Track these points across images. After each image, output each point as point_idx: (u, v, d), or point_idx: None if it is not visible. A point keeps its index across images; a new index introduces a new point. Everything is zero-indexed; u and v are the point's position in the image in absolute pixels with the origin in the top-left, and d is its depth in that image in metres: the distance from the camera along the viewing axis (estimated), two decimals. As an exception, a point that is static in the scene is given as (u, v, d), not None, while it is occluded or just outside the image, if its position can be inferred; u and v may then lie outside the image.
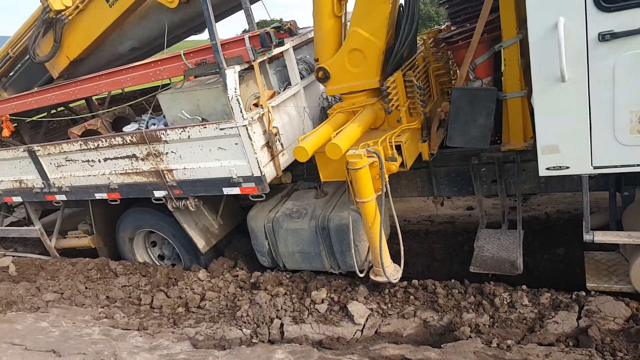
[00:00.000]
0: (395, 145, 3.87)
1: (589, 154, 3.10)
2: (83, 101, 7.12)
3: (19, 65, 6.04)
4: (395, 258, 4.07)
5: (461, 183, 4.50)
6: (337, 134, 3.79)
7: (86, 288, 5.28)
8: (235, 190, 4.33)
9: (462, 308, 3.77)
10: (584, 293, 3.51)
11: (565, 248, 4.53)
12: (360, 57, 4.04)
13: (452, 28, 4.57)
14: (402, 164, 3.93)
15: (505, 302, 3.66)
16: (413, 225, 5.78)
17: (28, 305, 5.14)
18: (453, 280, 4.07)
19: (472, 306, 3.76)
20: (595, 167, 3.14)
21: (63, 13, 4.98)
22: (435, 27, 5.34)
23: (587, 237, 3.30)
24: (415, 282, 4.15)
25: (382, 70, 4.06)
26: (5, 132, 5.92)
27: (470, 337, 3.38)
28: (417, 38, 4.73)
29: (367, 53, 3.99)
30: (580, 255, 3.85)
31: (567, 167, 3.19)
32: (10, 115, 5.74)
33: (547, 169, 3.25)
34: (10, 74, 6.18)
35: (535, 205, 5.57)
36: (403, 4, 4.05)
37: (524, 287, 3.78)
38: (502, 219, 4.43)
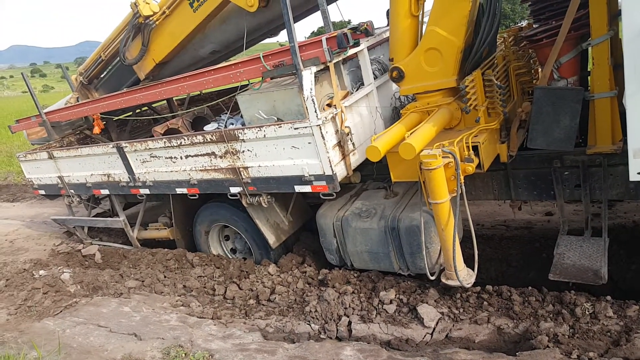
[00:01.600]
0: (472, 146, 3.79)
1: (687, 159, 2.88)
2: (164, 102, 7.56)
3: (110, 67, 6.54)
4: (468, 262, 3.97)
5: (541, 187, 4.31)
6: (411, 133, 3.76)
7: (165, 277, 5.59)
8: (307, 188, 4.41)
9: (539, 316, 3.62)
10: (677, 307, 3.25)
11: (656, 259, 4.21)
12: (437, 56, 3.99)
13: (535, 26, 4.40)
14: (479, 166, 3.83)
15: (587, 313, 3.47)
16: (487, 229, 5.60)
17: (112, 291, 5.51)
18: (530, 288, 3.91)
19: (551, 315, 3.60)
20: (693, 173, 2.90)
21: (151, 18, 5.35)
22: (516, 25, 5.16)
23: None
24: (489, 287, 4.03)
25: (460, 70, 4.00)
26: (96, 130, 6.43)
27: (547, 346, 3.24)
28: (499, 36, 4.60)
29: (445, 52, 3.94)
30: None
31: (663, 172, 2.97)
32: (100, 113, 6.22)
33: (639, 173, 3.04)
34: (102, 76, 6.71)
35: (621, 212, 5.21)
36: (483, 1, 3.96)
37: (609, 298, 3.56)
38: (585, 226, 4.19)
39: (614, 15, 3.68)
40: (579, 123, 3.70)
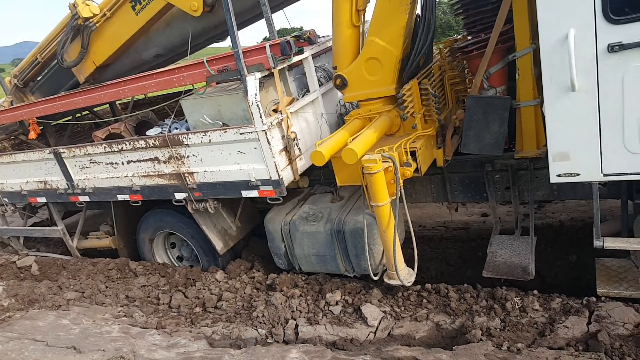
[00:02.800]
0: (410, 151, 3.96)
1: (599, 162, 3.17)
2: (107, 105, 7.35)
3: (47, 70, 6.30)
4: (409, 262, 4.15)
5: (475, 189, 4.57)
6: (353, 139, 3.89)
7: (106, 287, 5.43)
8: (254, 193, 4.45)
9: (474, 312, 3.83)
10: (594, 299, 3.55)
11: (578, 255, 4.56)
12: (377, 66, 4.14)
13: (468, 38, 4.67)
14: (416, 170, 4.00)
15: (516, 307, 3.71)
16: (428, 230, 5.85)
17: (50, 303, 5.28)
18: (466, 285, 4.13)
19: (484, 310, 3.82)
20: (605, 175, 3.20)
21: (91, 20, 5.21)
22: (453, 36, 5.44)
23: (597, 243, 3.35)
24: (428, 286, 4.22)
25: (399, 78, 4.17)
26: (32, 135, 6.17)
27: (481, 340, 3.44)
28: (434, 47, 4.84)
29: (384, 61, 4.10)
30: (592, 262, 3.90)
31: (578, 174, 3.25)
32: (37, 118, 5.97)
33: (558, 175, 3.31)
34: (38, 79, 6.44)
35: (549, 212, 5.60)
36: (420, 14, 4.17)
37: (536, 292, 3.83)
38: (515, 226, 4.48)
39: (536, 29, 3.99)
40: (507, 129, 3.97)
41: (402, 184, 3.89)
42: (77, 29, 5.32)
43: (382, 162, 3.76)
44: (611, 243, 3.38)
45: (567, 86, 3.05)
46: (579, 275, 4.40)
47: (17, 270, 6.44)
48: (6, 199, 6.37)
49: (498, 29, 3.93)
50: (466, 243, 5.35)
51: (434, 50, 4.82)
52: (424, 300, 4.07)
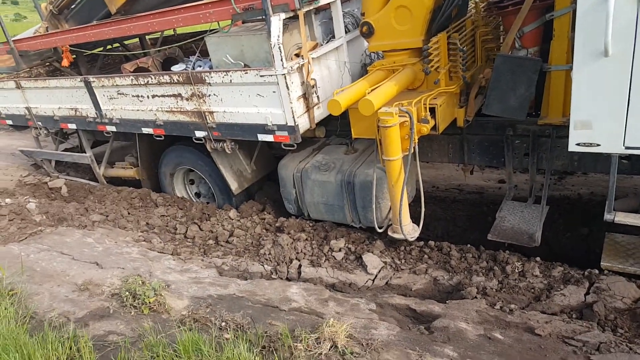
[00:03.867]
0: (430, 108, 3.90)
1: (623, 134, 3.06)
2: (137, 40, 7.41)
3: (81, -2, 6.34)
4: (416, 219, 4.18)
5: (493, 153, 4.49)
6: (372, 90, 3.85)
7: (129, 213, 5.71)
8: (269, 138, 4.50)
9: (473, 271, 3.88)
10: (597, 271, 3.53)
11: (590, 229, 4.49)
12: (407, 15, 4.02)
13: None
14: (434, 127, 3.95)
15: (516, 271, 3.74)
16: (441, 192, 5.83)
17: (77, 223, 5.61)
18: (468, 245, 4.16)
19: (483, 270, 3.87)
20: (627, 147, 3.09)
21: (124, -51, 5.17)
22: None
23: (607, 216, 3.29)
24: (431, 243, 4.27)
25: (427, 30, 4.04)
26: (65, 62, 6.32)
27: (475, 297, 3.51)
28: (470, 1, 4.64)
29: (414, 11, 3.97)
30: (603, 237, 3.84)
31: (598, 145, 3.15)
32: (70, 46, 6.10)
33: (577, 144, 3.22)
34: (72, 6, 6.50)
35: (569, 185, 5.47)
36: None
37: (538, 259, 3.83)
38: (529, 194, 4.42)
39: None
40: (534, 93, 3.84)
41: (417, 141, 3.86)
42: (111, -43, 5.31)
43: (399, 115, 3.72)
44: (622, 218, 3.32)
45: (600, 51, 2.90)
46: (588, 249, 4.35)
47: (48, 191, 6.81)
48: (40, 123, 6.63)
49: (537, -15, 3.74)
50: (478, 207, 5.32)
51: (470, 4, 4.62)
52: (425, 256, 4.14)
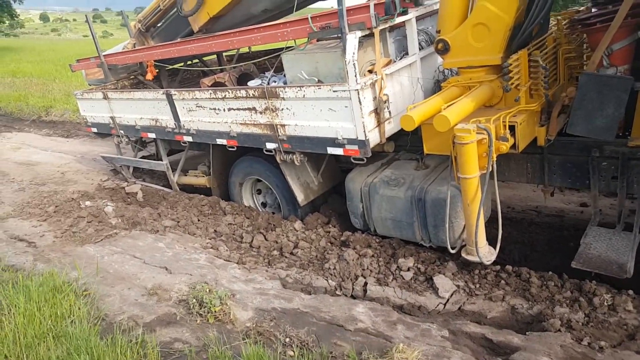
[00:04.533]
0: (509, 126, 3.76)
1: None
2: (214, 56, 7.76)
3: (166, 17, 6.76)
4: (491, 241, 4.01)
5: (577, 175, 4.23)
6: (447, 106, 3.77)
7: (198, 220, 5.92)
8: (339, 151, 4.52)
9: (555, 301, 3.65)
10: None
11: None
12: (485, 32, 3.93)
13: (593, 10, 4.24)
14: (513, 146, 3.81)
15: (605, 304, 3.47)
16: (517, 213, 5.56)
17: (149, 227, 5.87)
18: (550, 273, 3.93)
19: (567, 301, 3.63)
20: None
21: (210, -29, 5.46)
22: (574, 8, 4.98)
23: None
24: (508, 267, 4.08)
25: (507, 47, 3.93)
26: (149, 76, 6.73)
27: (559, 330, 3.28)
28: (552, 18, 4.47)
29: (493, 28, 3.88)
30: None
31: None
32: (154, 61, 6.48)
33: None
34: (158, 25, 6.95)
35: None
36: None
37: (631, 292, 3.55)
38: (617, 220, 4.12)
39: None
40: (624, 113, 3.61)
41: (495, 159, 3.72)
42: (197, -21, 5.61)
43: (477, 132, 3.61)
44: None
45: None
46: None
47: (125, 195, 7.22)
48: (122, 131, 7.07)
49: (630, 1, 3.53)
50: (558, 231, 5.02)
51: (552, 21, 4.45)
52: (502, 282, 3.95)
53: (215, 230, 5.63)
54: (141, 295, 4.33)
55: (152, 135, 6.62)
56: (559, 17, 4.49)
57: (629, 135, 3.87)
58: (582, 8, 4.86)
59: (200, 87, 6.00)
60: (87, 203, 6.67)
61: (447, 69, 4.68)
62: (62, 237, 5.70)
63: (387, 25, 4.27)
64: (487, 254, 3.96)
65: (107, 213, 6.27)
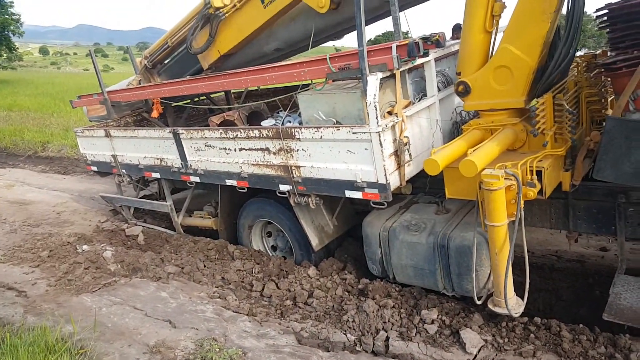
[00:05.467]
0: (536, 171, 3.66)
1: None
2: (222, 93, 7.68)
3: (175, 54, 6.71)
4: (517, 291, 3.82)
5: (602, 221, 4.11)
6: (473, 150, 3.66)
7: (204, 266, 5.64)
8: (358, 195, 4.36)
9: (589, 357, 3.44)
10: None
11: None
12: (507, 75, 3.88)
13: (611, 54, 4.21)
14: (540, 191, 3.70)
15: (645, 361, 3.26)
16: (537, 258, 5.38)
17: (151, 274, 5.57)
18: (581, 326, 3.73)
19: (602, 357, 3.42)
20: None
21: (221, 10, 5.44)
22: (590, 52, 4.99)
23: None
24: (537, 319, 3.86)
25: (530, 91, 3.87)
26: (155, 113, 6.61)
27: (598, 390, 3.06)
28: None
29: (516, 71, 3.84)
30: None
31: None
32: (161, 98, 6.38)
33: None
34: (166, 62, 6.89)
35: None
36: (564, 23, 3.83)
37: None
38: (647, 268, 3.96)
39: None
40: (653, 159, 3.51)
41: (523, 205, 3.59)
42: (207, 18, 5.58)
43: (505, 178, 3.49)
44: None
45: None
46: None
47: (125, 238, 6.92)
48: (124, 170, 6.87)
49: (657, 45, 3.49)
50: (581, 278, 4.84)
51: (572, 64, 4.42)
52: (531, 335, 3.73)
53: (222, 277, 5.35)
54: (143, 354, 4.02)
55: (156, 175, 6.43)
56: (578, 61, 4.47)
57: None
58: (598, 52, 4.86)
59: (209, 125, 5.88)
60: (84, 247, 6.38)
61: (467, 111, 4.61)
62: (56, 286, 5.37)
63: (407, 67, 4.20)
64: (515, 305, 3.76)
65: (105, 258, 5.98)
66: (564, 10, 3.83)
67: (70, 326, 4.39)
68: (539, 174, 3.67)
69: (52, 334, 4.15)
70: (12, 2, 37.76)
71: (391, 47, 3.89)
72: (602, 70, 4.13)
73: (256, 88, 7.47)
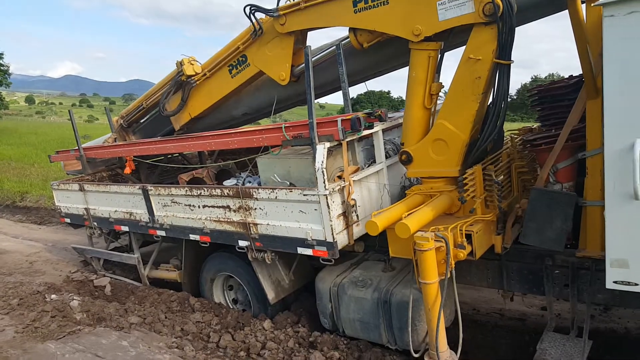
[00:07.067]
0: (466, 234, 4.01)
1: (662, 275, 3.05)
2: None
3: (149, 115, 7.15)
4: (455, 345, 4.08)
5: (532, 281, 4.44)
6: (409, 214, 4.02)
7: (166, 317, 5.82)
8: (308, 251, 4.67)
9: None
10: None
11: (640, 369, 4.23)
12: (444, 147, 4.29)
13: (543, 129, 4.71)
14: (471, 253, 4.01)
15: (561, 414, 3.52)
16: (482, 315, 5.68)
17: (115, 324, 5.73)
18: (509, 380, 3.98)
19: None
20: (668, 289, 3.06)
21: (193, 78, 5.95)
22: (526, 127, 5.51)
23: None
24: (470, 374, 4.11)
25: (464, 161, 4.27)
26: (127, 170, 6.92)
27: None
28: (508, 134, 4.92)
29: (451, 144, 4.24)
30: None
31: (636, 284, 3.14)
32: (134, 156, 6.74)
33: (615, 282, 3.22)
34: (141, 121, 7.32)
35: (616, 317, 5.25)
36: (491, 103, 4.30)
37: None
38: (570, 326, 4.28)
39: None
40: (572, 226, 3.91)
41: (453, 266, 3.90)
42: (180, 84, 6.08)
43: (435, 240, 3.83)
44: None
45: (630, 194, 3.02)
46: (640, 393, 4.06)
47: (93, 289, 7.08)
48: (95, 223, 7.11)
49: (569, 127, 3.99)
50: (520, 335, 5.13)
51: (507, 138, 4.90)
52: (463, 388, 3.97)
53: (182, 329, 5.53)
54: (99, 399, 4.17)
55: (125, 228, 6.67)
56: (514, 135, 4.95)
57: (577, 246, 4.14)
58: (534, 127, 5.37)
59: (179, 182, 6.22)
60: (53, 296, 6.51)
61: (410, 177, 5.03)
62: (23, 333, 5.50)
63: (354, 138, 4.64)
64: (448, 358, 4.02)
65: (72, 307, 6.12)
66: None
67: (33, 372, 4.51)
68: (469, 237, 4.04)
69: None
70: (2, 54, 38.37)
71: (337, 120, 4.35)
72: (528, 145, 4.61)
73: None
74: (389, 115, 5.34)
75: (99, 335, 5.43)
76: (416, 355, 4.19)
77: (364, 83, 6.03)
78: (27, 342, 5.27)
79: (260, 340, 5.07)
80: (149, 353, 4.96)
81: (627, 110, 2.96)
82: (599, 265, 3.98)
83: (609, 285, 3.24)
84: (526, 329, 5.24)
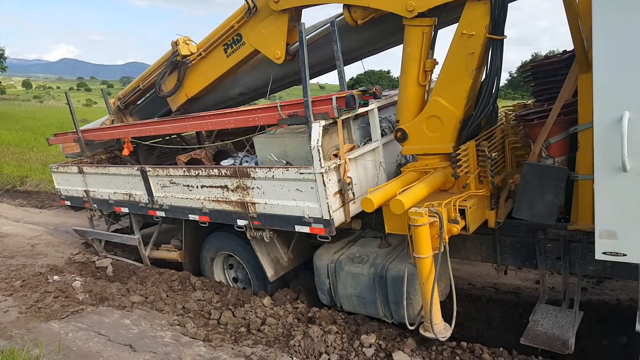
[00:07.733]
0: (460, 209, 4.08)
1: (648, 244, 3.12)
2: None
3: (145, 96, 7.15)
4: (449, 318, 4.19)
5: (525, 255, 4.54)
6: (403, 190, 4.09)
7: (167, 296, 5.93)
8: (305, 229, 4.75)
9: (506, 376, 3.80)
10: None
11: (629, 338, 4.34)
12: (438, 123, 4.34)
13: (537, 105, 4.74)
14: (464, 228, 4.09)
15: (551, 380, 3.64)
16: (477, 290, 5.80)
17: (117, 303, 5.84)
18: (501, 349, 4.10)
19: (517, 376, 3.78)
20: (653, 258, 3.13)
21: (188, 58, 5.94)
22: (522, 100, 5.51)
23: (638, 327, 3.25)
24: (463, 344, 4.23)
25: (457, 137, 4.32)
26: (125, 151, 6.97)
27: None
28: (502, 110, 4.95)
29: (445, 120, 4.29)
30: (641, 349, 3.72)
31: (624, 255, 3.22)
32: (131, 138, 6.78)
33: (604, 253, 3.29)
34: (138, 103, 7.32)
35: (608, 290, 5.36)
36: (484, 79, 4.32)
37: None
38: (562, 297, 4.38)
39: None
40: (563, 199, 3.98)
41: (447, 240, 3.99)
42: (175, 64, 6.07)
43: (429, 216, 3.91)
44: (657, 330, 3.27)
45: (618, 166, 3.08)
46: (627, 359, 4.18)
47: (94, 270, 7.19)
48: (95, 205, 7.19)
49: (561, 101, 4.02)
50: (514, 308, 5.25)
51: (502, 114, 4.94)
52: (457, 357, 4.10)
53: (183, 307, 5.64)
54: (103, 374, 4.29)
55: (125, 210, 6.75)
56: (508, 111, 4.98)
57: (570, 219, 4.22)
58: (529, 102, 5.39)
59: (177, 163, 6.27)
60: (55, 277, 6.62)
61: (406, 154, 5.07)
62: (26, 313, 5.62)
63: (350, 115, 4.68)
64: (442, 330, 4.13)
65: (74, 288, 6.23)
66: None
67: (37, 350, 4.63)
68: (463, 212, 4.11)
69: (20, 356, 4.39)
70: (-2, 39, 38.15)
71: (332, 98, 4.38)
72: (521, 120, 4.65)
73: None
74: (385, 93, 5.37)
75: (101, 315, 5.54)
76: (411, 328, 4.31)
77: (360, 62, 6.03)
78: (30, 322, 5.39)
79: (260, 316, 5.19)
80: (151, 330, 5.08)
81: (616, 82, 3.00)
82: (590, 238, 4.02)
83: (598, 256, 3.32)
84: (520, 302, 5.36)
